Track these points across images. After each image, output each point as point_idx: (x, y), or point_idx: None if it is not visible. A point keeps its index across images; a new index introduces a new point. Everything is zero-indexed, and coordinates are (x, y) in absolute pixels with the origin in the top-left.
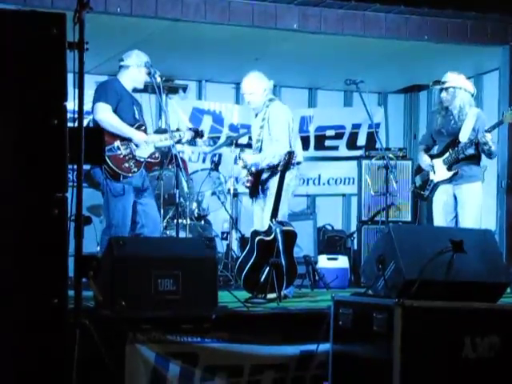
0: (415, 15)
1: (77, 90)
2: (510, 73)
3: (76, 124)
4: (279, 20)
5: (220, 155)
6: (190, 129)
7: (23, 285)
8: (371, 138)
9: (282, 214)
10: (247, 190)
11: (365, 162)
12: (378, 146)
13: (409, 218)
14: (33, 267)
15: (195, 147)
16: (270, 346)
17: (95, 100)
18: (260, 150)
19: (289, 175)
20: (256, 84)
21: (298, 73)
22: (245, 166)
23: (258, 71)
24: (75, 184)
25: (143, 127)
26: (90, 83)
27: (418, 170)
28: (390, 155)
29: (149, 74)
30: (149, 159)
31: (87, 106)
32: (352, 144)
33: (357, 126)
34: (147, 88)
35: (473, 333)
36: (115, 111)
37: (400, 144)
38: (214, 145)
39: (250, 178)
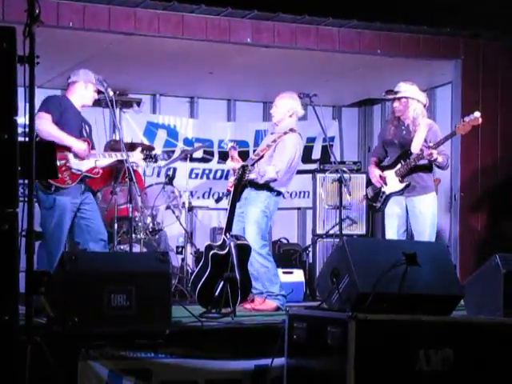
0: (368, 29)
1: (28, 105)
2: (461, 86)
3: (27, 138)
4: (233, 34)
5: (174, 169)
6: (145, 151)
7: None
8: (326, 151)
9: (261, 237)
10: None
11: (319, 176)
12: (332, 159)
13: (363, 232)
14: None
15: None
16: (224, 361)
17: (37, 111)
18: (253, 164)
19: (269, 199)
20: (284, 100)
21: (253, 86)
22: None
23: (294, 93)
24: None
25: (86, 142)
26: (43, 97)
27: (370, 182)
28: (344, 168)
29: (98, 91)
30: (88, 173)
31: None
32: (307, 157)
33: (311, 140)
34: (101, 102)
35: (426, 346)
36: (58, 123)
37: (354, 157)
38: (169, 159)
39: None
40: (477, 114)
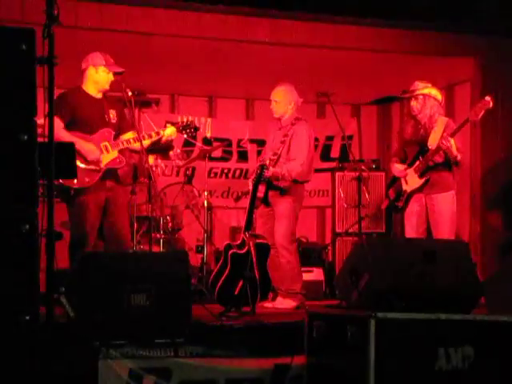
0: (386, 27)
1: (47, 105)
2: (480, 83)
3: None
4: (250, 33)
5: (193, 169)
6: (180, 122)
7: None
8: (344, 149)
9: (291, 232)
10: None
11: (338, 174)
12: (351, 157)
13: (382, 230)
14: (3, 283)
15: (168, 161)
16: (244, 360)
17: None
18: (275, 164)
19: (296, 192)
20: (284, 94)
21: (271, 85)
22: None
23: (287, 83)
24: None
25: (107, 133)
26: None
27: (391, 184)
28: (363, 167)
29: (108, 72)
30: (110, 166)
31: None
32: (326, 156)
33: (330, 138)
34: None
35: (446, 344)
36: (72, 122)
37: (373, 155)
38: (188, 158)
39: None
40: (487, 98)
